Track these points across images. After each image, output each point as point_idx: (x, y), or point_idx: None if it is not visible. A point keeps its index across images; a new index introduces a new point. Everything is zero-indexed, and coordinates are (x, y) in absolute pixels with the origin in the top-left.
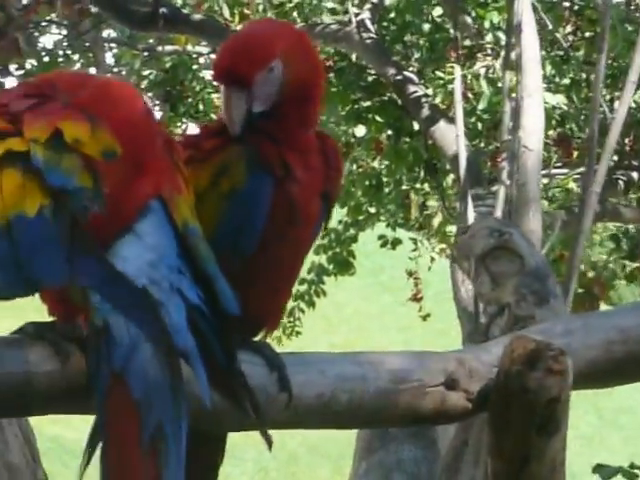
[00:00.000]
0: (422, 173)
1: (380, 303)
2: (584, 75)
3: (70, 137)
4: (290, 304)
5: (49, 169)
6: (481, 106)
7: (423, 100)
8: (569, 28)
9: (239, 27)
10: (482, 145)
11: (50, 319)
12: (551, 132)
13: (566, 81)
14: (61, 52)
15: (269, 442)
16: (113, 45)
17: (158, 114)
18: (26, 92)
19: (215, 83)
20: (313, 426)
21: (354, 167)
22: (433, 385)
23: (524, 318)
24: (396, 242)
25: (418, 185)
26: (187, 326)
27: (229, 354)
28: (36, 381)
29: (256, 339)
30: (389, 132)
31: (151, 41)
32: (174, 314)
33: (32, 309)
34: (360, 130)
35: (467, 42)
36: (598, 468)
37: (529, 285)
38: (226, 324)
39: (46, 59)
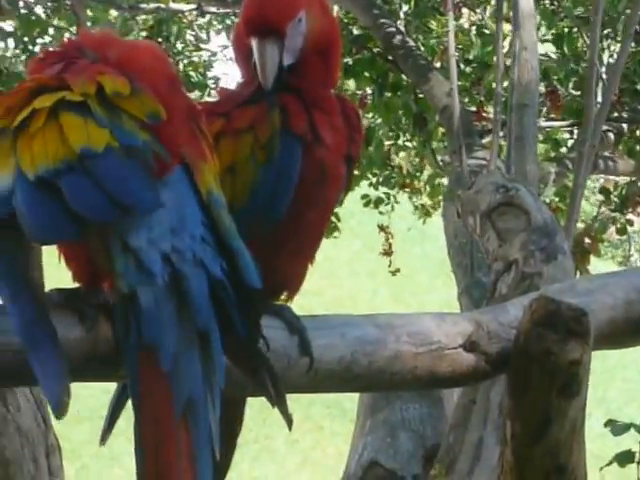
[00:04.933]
0: (411, 126)
1: (350, 249)
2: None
3: (110, 90)
4: None
5: (116, 127)
6: (471, 56)
7: (412, 53)
8: None
9: None
10: (466, 100)
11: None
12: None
13: (554, 31)
14: (42, 13)
15: (289, 421)
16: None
17: None
18: (54, 57)
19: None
20: (332, 390)
21: None
22: (452, 347)
23: (531, 275)
24: (379, 201)
25: (400, 142)
26: (209, 303)
27: (252, 332)
28: None
29: (277, 302)
30: (372, 87)
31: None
32: (196, 289)
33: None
34: (351, 85)
35: None
36: (610, 423)
37: (537, 242)
38: (250, 299)
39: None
